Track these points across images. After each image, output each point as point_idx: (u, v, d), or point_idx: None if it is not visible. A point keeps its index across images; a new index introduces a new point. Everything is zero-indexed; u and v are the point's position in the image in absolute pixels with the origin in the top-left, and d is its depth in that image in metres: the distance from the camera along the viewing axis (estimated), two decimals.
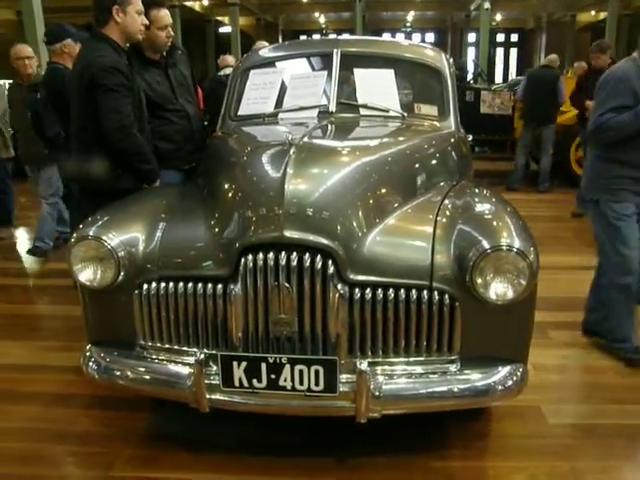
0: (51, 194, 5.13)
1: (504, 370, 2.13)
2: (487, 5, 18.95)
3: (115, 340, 2.31)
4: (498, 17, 26.82)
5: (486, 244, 2.02)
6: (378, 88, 3.20)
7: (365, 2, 21.99)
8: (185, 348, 2.20)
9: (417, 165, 2.68)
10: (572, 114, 7.37)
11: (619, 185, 2.97)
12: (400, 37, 27.14)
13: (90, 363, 2.28)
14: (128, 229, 2.26)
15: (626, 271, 3.02)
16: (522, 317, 2.20)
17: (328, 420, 2.25)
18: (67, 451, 2.47)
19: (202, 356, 2.05)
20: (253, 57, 3.72)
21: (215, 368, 2.07)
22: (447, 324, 2.07)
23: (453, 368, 2.12)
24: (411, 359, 2.11)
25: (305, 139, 2.36)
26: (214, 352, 2.10)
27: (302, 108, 3.10)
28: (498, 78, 27.20)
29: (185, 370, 2.12)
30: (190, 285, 2.13)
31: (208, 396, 2.08)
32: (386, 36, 23.75)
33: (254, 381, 2.03)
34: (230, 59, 6.70)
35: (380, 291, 2.03)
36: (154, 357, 2.24)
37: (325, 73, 3.20)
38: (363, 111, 3.14)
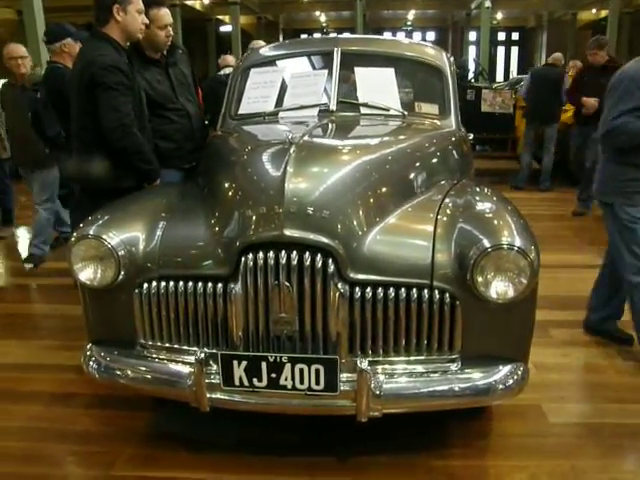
0: (45, 200, 4.94)
1: (505, 369, 2.13)
2: (488, 3, 18.96)
3: (115, 339, 2.31)
4: (499, 16, 26.82)
5: (487, 243, 2.02)
6: (379, 87, 3.20)
7: (366, 1, 22.01)
8: (185, 347, 2.20)
9: (418, 164, 2.68)
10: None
11: (634, 188, 2.92)
12: (401, 36, 27.13)
13: (90, 362, 2.28)
14: (128, 228, 2.26)
15: None
16: (523, 316, 2.19)
17: (329, 419, 2.25)
18: (68, 450, 2.47)
19: (202, 355, 2.04)
20: (253, 56, 3.71)
21: (215, 367, 2.07)
22: (448, 323, 2.07)
23: (454, 367, 2.11)
24: (412, 358, 2.11)
25: (305, 138, 2.35)
26: (214, 351, 2.10)
27: (302, 107, 3.10)
28: (499, 77, 27.18)
29: (185, 369, 2.12)
30: (190, 284, 2.13)
31: (208, 395, 2.08)
32: (387, 35, 23.73)
33: (254, 380, 2.03)
34: (230, 59, 6.70)
35: (380, 290, 2.03)
36: (154, 356, 2.24)
37: (325, 72, 3.20)
38: (364, 110, 3.13)
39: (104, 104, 2.78)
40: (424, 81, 3.55)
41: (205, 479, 2.27)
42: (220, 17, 26.01)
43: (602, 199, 3.10)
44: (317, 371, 1.99)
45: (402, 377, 2.08)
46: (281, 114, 3.13)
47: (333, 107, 3.06)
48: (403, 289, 2.04)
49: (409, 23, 29.93)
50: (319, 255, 1.99)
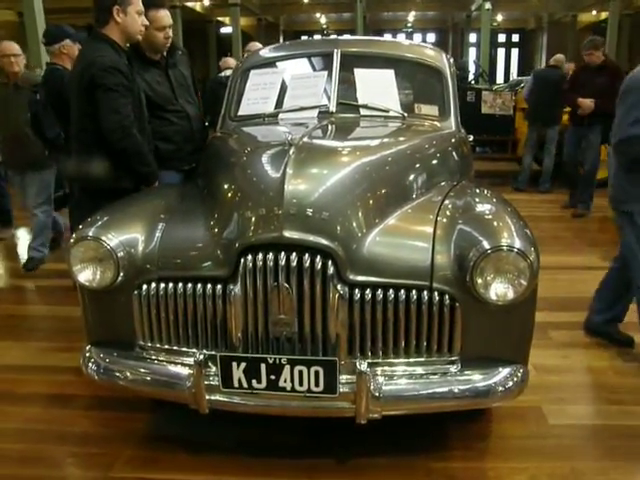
0: (41, 202, 4.83)
1: (505, 371, 2.12)
2: (488, 5, 18.96)
3: (115, 341, 2.31)
4: (499, 17, 26.83)
5: (486, 244, 2.01)
6: (378, 88, 3.20)
7: (366, 2, 22.02)
8: (184, 349, 2.20)
9: (417, 165, 2.67)
10: None
11: None
12: (401, 37, 27.14)
13: (90, 364, 2.28)
14: (127, 229, 2.26)
15: None
16: (523, 317, 2.19)
17: (328, 421, 2.25)
18: (66, 452, 2.47)
19: (201, 357, 2.04)
20: (253, 57, 3.71)
21: (215, 369, 2.06)
22: (447, 325, 2.06)
23: (453, 369, 2.11)
24: (411, 360, 2.10)
25: (305, 139, 2.35)
26: (213, 353, 2.09)
27: (302, 108, 3.10)
28: (499, 78, 27.20)
29: (184, 371, 2.11)
30: (189, 286, 2.13)
31: (207, 397, 2.07)
32: (387, 36, 23.73)
33: (254, 382, 2.02)
34: (231, 61, 6.72)
35: (380, 291, 2.03)
36: (154, 358, 2.23)
37: (325, 73, 3.20)
38: (363, 111, 3.13)
39: (104, 106, 2.78)
40: (424, 82, 3.55)
41: None
42: (220, 19, 26.04)
43: (619, 207, 3.02)
44: (316, 373, 1.98)
45: (402, 379, 2.08)
46: (281, 115, 3.13)
47: (333, 108, 3.06)
48: (403, 291, 2.03)
49: (409, 25, 29.94)
50: (318, 257, 1.99)
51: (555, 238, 5.49)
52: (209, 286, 2.10)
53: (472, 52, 26.47)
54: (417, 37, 30.51)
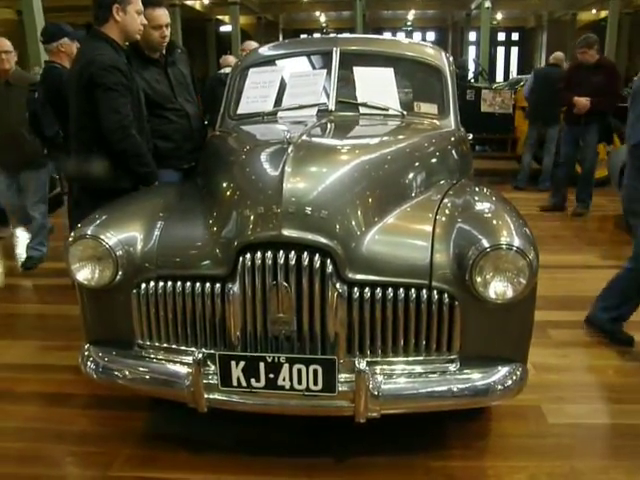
0: (37, 202, 4.78)
1: (504, 370, 2.12)
2: (488, 4, 18.96)
3: (113, 339, 2.31)
4: (499, 16, 26.84)
5: (486, 243, 2.01)
6: (378, 87, 3.19)
7: (366, 1, 22.01)
8: (183, 347, 2.20)
9: (416, 163, 2.67)
10: None
11: None
12: (401, 36, 27.13)
13: (88, 363, 2.28)
14: (126, 228, 2.26)
15: None
16: (522, 316, 2.19)
17: (327, 420, 2.24)
18: (65, 451, 2.47)
19: (200, 356, 2.04)
20: (252, 56, 3.71)
21: (213, 368, 2.06)
22: (446, 323, 2.06)
23: (452, 368, 2.11)
24: (410, 358, 2.10)
25: (303, 137, 2.35)
26: (212, 351, 2.09)
27: (301, 107, 3.09)
28: (499, 77, 27.19)
29: (183, 370, 2.11)
30: (188, 284, 2.12)
31: (206, 396, 2.07)
32: (387, 35, 23.73)
33: (252, 381, 2.02)
34: (231, 59, 6.71)
35: (379, 290, 2.02)
36: (152, 357, 2.23)
37: (324, 71, 3.19)
38: (362, 110, 3.13)
39: (104, 105, 2.77)
40: (423, 81, 3.54)
41: None
42: (220, 17, 26.01)
43: (633, 207, 3.04)
44: (315, 371, 1.98)
45: (401, 378, 2.08)
46: (280, 114, 3.13)
47: (332, 107, 3.05)
48: (402, 289, 2.03)
49: (409, 23, 29.93)
50: (317, 255, 1.99)
51: (554, 237, 5.48)
52: (208, 285, 2.10)
53: (472, 50, 26.47)
54: (417, 36, 30.49)
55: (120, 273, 2.17)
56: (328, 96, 3.09)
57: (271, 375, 2.01)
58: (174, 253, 2.21)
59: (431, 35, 31.85)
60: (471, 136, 3.47)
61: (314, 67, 3.43)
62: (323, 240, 1.99)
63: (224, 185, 2.39)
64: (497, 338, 2.16)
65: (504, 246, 2.00)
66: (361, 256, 2.06)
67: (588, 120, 6.04)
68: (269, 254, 2.00)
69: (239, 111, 3.32)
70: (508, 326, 2.15)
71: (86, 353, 2.31)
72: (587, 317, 3.41)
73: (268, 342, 2.07)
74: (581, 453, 2.40)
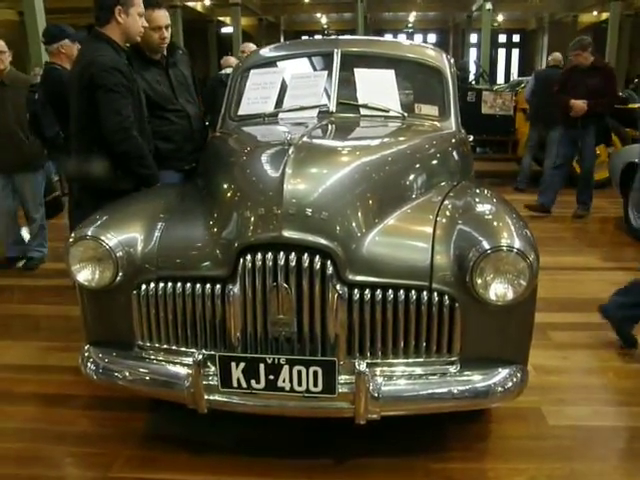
0: (36, 204, 4.78)
1: (504, 371, 2.12)
2: (489, 6, 18.97)
3: (113, 340, 2.30)
4: (500, 18, 26.84)
5: (486, 244, 2.01)
6: (378, 88, 3.19)
7: (367, 3, 22.02)
8: (183, 349, 2.19)
9: (417, 165, 2.67)
10: None
11: None
12: (402, 38, 27.15)
13: (88, 363, 2.28)
14: (127, 229, 2.26)
15: None
16: (522, 318, 2.18)
17: (327, 421, 2.24)
18: (65, 452, 2.46)
19: (200, 357, 2.04)
20: (253, 57, 3.71)
21: (213, 369, 2.06)
22: (447, 325, 2.06)
23: (453, 369, 2.10)
24: (410, 360, 2.10)
25: (304, 139, 2.35)
26: (212, 353, 2.09)
27: (302, 108, 3.09)
28: (500, 79, 27.21)
29: (183, 371, 2.11)
30: (189, 285, 2.12)
31: (206, 397, 2.07)
32: (388, 37, 23.74)
33: (252, 382, 2.02)
34: (233, 60, 6.72)
35: (379, 292, 2.02)
36: (152, 358, 2.23)
37: (325, 73, 3.20)
38: (363, 111, 3.13)
39: (105, 107, 2.77)
40: (424, 82, 3.54)
41: None
42: (221, 18, 26.05)
43: None
44: (315, 373, 1.98)
45: (401, 379, 2.08)
46: (281, 115, 3.13)
47: (333, 108, 3.06)
48: (402, 291, 2.03)
49: (410, 25, 29.95)
50: (318, 256, 1.99)
51: (555, 239, 5.48)
52: (208, 286, 2.10)
53: (473, 52, 26.50)
54: (418, 37, 30.53)
55: (120, 274, 2.17)
56: (329, 97, 3.10)
57: (271, 376, 2.00)
58: (174, 254, 2.21)
59: (432, 37, 31.89)
60: (472, 138, 3.47)
61: (315, 68, 3.44)
62: (323, 241, 1.99)
63: (225, 186, 2.39)
64: (497, 340, 2.15)
65: (505, 248, 2.00)
66: (361, 258, 2.06)
67: (585, 123, 6.01)
68: (269, 255, 2.00)
69: (240, 112, 3.32)
70: (508, 328, 2.15)
71: (86, 354, 2.31)
72: (602, 306, 3.35)
73: (268, 343, 2.07)
74: (581, 455, 2.39)
